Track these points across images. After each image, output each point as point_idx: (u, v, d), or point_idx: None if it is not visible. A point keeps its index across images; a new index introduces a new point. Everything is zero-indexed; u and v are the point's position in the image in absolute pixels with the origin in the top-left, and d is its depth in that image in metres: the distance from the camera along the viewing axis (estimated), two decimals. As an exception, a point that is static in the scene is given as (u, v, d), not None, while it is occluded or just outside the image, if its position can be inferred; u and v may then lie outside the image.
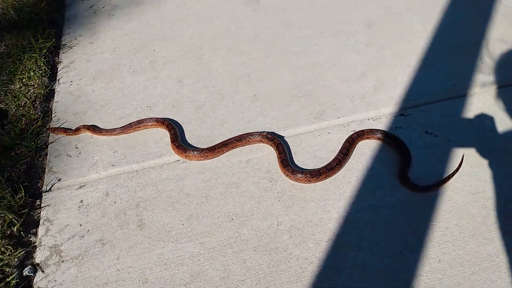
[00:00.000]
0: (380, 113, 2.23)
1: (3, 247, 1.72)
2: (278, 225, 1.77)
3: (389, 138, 2.03)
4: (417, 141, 2.04)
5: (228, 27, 2.94)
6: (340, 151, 1.98)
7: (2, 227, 1.78)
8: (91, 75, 2.62)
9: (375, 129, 2.08)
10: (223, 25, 2.96)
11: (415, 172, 1.90)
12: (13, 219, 1.80)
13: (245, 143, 2.10)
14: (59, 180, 2.03)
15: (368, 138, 2.06)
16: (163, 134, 2.21)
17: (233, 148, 2.09)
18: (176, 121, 2.27)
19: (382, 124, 2.16)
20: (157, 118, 2.23)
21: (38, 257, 1.73)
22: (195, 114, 2.32)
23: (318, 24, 2.89)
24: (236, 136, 2.10)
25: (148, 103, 2.40)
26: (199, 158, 2.04)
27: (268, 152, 2.08)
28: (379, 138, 2.06)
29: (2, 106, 2.40)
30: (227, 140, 2.09)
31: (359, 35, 2.76)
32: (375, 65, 2.52)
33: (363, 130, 2.07)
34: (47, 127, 2.28)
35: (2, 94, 2.48)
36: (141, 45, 2.84)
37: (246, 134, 2.11)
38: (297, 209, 1.82)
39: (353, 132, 2.07)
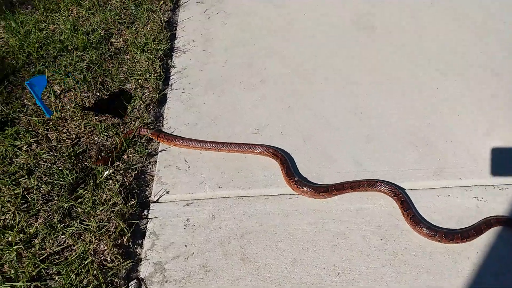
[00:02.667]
0: (508, 181, 2.03)
1: (113, 255, 1.78)
2: (388, 292, 1.67)
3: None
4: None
5: (341, 53, 2.83)
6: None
7: (113, 235, 1.83)
8: (203, 85, 2.64)
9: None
10: (335, 50, 2.86)
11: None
12: (124, 229, 1.86)
13: (362, 189, 2.01)
14: (167, 192, 2.06)
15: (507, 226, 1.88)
16: (270, 162, 2.17)
17: (348, 192, 2.01)
18: (284, 151, 2.23)
19: (509, 195, 1.97)
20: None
21: (143, 271, 1.77)
22: (303, 145, 2.26)
23: (442, 62, 2.70)
24: (355, 182, 2.01)
25: (257, 125, 2.37)
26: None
27: (381, 204, 1.97)
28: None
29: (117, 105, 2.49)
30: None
31: (484, 82, 2.54)
32: (503, 122, 2.31)
33: (502, 217, 1.89)
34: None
35: (118, 92, 2.57)
36: (252, 60, 2.82)
37: (365, 181, 2.01)
38: (409, 278, 1.70)
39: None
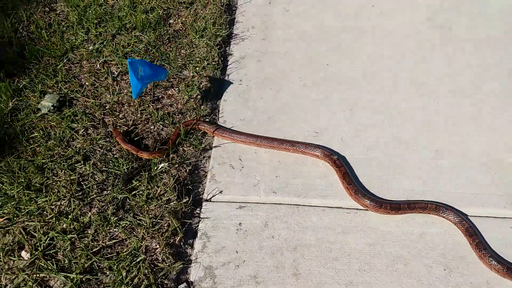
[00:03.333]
0: None
1: (164, 255, 1.76)
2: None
3: None
4: None
5: (412, 56, 2.62)
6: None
7: (166, 233, 1.80)
8: (261, 78, 2.53)
9: None
10: (406, 51, 2.65)
11: None
12: (177, 228, 1.82)
13: (428, 212, 1.87)
14: (220, 192, 2.00)
15: None
16: (328, 170, 2.06)
17: (414, 213, 1.89)
18: (344, 157, 2.11)
19: None
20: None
21: (193, 275, 1.73)
22: (365, 155, 2.13)
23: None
24: (422, 203, 1.88)
25: (316, 128, 2.25)
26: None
27: (447, 229, 1.83)
28: None
29: (174, 92, 2.43)
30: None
31: None
32: None
33: None
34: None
35: (175, 78, 2.51)
36: (314, 54, 2.66)
37: (433, 204, 1.88)
38: (475, 318, 1.59)
39: None
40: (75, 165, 2.05)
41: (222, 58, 2.64)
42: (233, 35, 2.83)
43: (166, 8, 2.95)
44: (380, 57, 2.61)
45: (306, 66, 2.59)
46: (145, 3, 2.96)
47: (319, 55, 2.65)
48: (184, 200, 1.93)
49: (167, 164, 2.06)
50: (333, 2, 3.01)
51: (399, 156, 2.11)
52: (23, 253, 1.76)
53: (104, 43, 2.67)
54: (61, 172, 2.01)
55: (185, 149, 2.17)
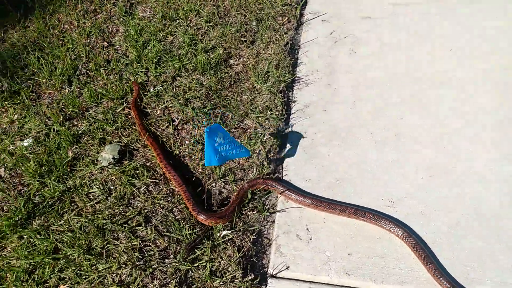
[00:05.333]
0: None
1: None
2: None
3: None
4: None
5: (495, 112, 2.37)
6: None
7: (232, 317, 1.68)
8: (327, 132, 2.36)
9: None
10: (487, 107, 2.40)
11: None
12: (243, 312, 1.70)
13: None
14: (287, 267, 1.86)
15: None
16: (406, 250, 1.87)
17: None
18: (424, 234, 1.91)
19: None
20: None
21: None
22: (447, 234, 1.92)
23: None
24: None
25: (391, 196, 2.06)
26: None
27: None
28: None
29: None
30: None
31: None
32: None
33: None
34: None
35: (236, 129, 2.38)
36: (385, 105, 2.47)
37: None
38: None
39: None
40: (136, 227, 1.96)
41: (285, 106, 2.49)
42: (296, 78, 2.67)
43: (227, 47, 2.83)
44: (460, 112, 2.38)
45: (376, 119, 2.40)
46: (205, 41, 2.85)
47: (390, 106, 2.45)
48: (250, 277, 1.80)
49: (230, 232, 1.94)
50: (404, 46, 2.79)
51: (487, 238, 1.89)
52: (84, 329, 1.68)
53: (164, 86, 2.58)
54: (122, 234, 1.93)
55: (249, 213, 2.04)
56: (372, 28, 2.93)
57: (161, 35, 2.93)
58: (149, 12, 3.16)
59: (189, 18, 3.04)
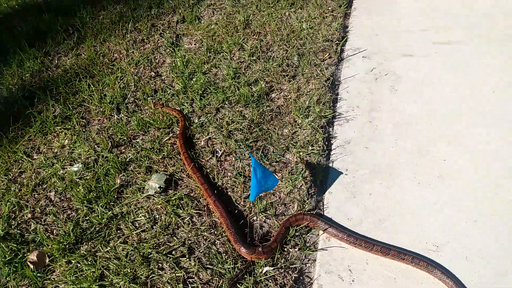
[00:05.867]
0: None
1: None
2: None
3: None
4: None
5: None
6: None
7: None
8: (368, 169, 2.37)
9: None
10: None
11: None
12: None
13: None
14: (329, 312, 1.85)
15: None
16: (452, 297, 1.83)
17: None
18: (470, 282, 1.87)
19: None
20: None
21: None
22: (495, 283, 1.87)
23: None
24: None
25: (435, 240, 2.03)
26: None
27: None
28: None
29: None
30: None
31: None
32: None
33: None
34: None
35: (277, 163, 2.42)
36: (428, 145, 2.46)
37: None
38: None
39: None
40: (180, 258, 2.00)
41: (326, 142, 2.52)
42: (336, 114, 2.71)
43: (269, 81, 2.90)
44: (505, 155, 2.35)
45: (418, 158, 2.39)
46: (248, 74, 2.94)
47: (433, 147, 2.44)
48: (292, 320, 1.80)
49: (272, 268, 1.95)
50: (445, 83, 2.80)
51: (537, 290, 1.83)
52: None
53: (209, 118, 2.66)
54: (167, 265, 1.97)
55: (290, 250, 2.05)
56: (413, 66, 2.95)
57: (206, 67, 3.04)
58: (194, 44, 3.29)
59: (233, 52, 3.15)
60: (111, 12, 3.74)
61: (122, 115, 2.72)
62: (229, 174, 2.37)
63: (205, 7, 3.66)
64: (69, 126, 2.71)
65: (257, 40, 3.22)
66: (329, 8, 3.51)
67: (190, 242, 2.06)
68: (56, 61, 3.29)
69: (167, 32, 3.41)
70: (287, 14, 3.49)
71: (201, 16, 3.57)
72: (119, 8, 3.79)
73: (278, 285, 1.89)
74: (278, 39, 3.21)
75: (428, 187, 2.26)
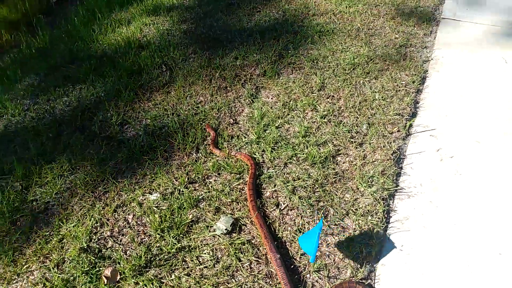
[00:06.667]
0: None
1: None
2: None
3: None
4: None
5: None
6: None
7: None
8: (424, 249, 2.43)
9: None
10: None
11: None
12: None
13: None
14: None
15: None
16: None
17: None
18: None
19: None
20: None
21: None
22: None
23: None
24: None
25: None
26: None
27: None
28: None
29: (333, 241, 2.47)
30: None
31: None
32: None
33: None
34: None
35: (336, 225, 2.55)
36: (486, 236, 2.49)
37: None
38: None
39: None
40: (237, 302, 2.17)
41: (385, 214, 2.63)
42: (399, 188, 2.81)
43: (337, 144, 3.09)
44: None
45: (475, 249, 2.43)
46: (318, 135, 3.15)
47: (495, 234, 2.47)
48: None
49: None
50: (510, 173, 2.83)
51: None
52: None
53: (276, 171, 2.87)
54: (226, 307, 2.15)
55: (339, 316, 2.16)
56: (480, 152, 3.01)
57: (279, 121, 3.30)
58: (271, 98, 3.57)
59: (306, 111, 3.39)
60: (200, 56, 4.16)
61: (200, 155, 3.01)
62: (289, 228, 2.54)
63: (285, 64, 3.97)
64: (153, 157, 3.04)
65: (330, 103, 3.45)
66: (403, 83, 3.68)
67: (246, 287, 2.23)
68: (148, 95, 3.71)
69: (248, 83, 3.73)
70: (361, 82, 3.70)
71: (281, 73, 3.87)
72: (208, 55, 4.20)
73: None
74: (350, 106, 3.41)
75: (488, 278, 2.29)
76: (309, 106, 3.43)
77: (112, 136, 3.28)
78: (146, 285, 2.25)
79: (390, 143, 3.08)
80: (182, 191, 2.75)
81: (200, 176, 2.86)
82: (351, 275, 2.30)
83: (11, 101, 3.81)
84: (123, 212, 2.69)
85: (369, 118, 3.30)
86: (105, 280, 2.30)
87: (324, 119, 3.30)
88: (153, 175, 2.91)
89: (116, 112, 3.51)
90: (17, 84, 4.20)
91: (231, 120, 3.35)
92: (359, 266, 2.35)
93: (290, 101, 3.49)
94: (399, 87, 3.64)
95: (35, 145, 3.25)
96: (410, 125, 3.29)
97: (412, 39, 4.32)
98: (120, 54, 4.30)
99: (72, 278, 2.34)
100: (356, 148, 3.07)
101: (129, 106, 3.58)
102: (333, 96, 3.56)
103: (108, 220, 2.65)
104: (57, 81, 4.05)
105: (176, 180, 2.85)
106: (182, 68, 3.99)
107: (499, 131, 3.17)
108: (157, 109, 3.52)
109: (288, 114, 3.37)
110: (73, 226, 2.61)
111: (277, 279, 2.27)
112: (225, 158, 2.98)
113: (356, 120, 3.29)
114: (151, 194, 2.77)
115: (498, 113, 3.35)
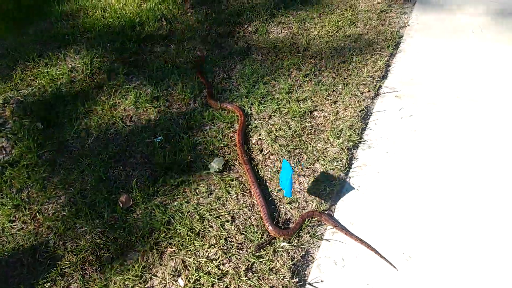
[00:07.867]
0: None
1: (273, 318, 2.41)
2: None
3: None
4: None
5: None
6: None
7: (277, 302, 2.45)
8: (378, 191, 3.06)
9: None
10: None
11: None
12: (286, 302, 2.47)
13: None
14: (321, 281, 2.60)
15: None
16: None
17: None
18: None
19: None
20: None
21: None
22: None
23: None
24: None
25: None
26: None
27: None
28: None
29: (304, 181, 3.07)
30: None
31: None
32: None
33: None
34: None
35: (308, 169, 3.15)
36: (440, 185, 3.11)
37: None
38: None
39: None
40: (225, 222, 2.79)
41: (348, 161, 3.23)
42: (362, 140, 3.39)
43: (315, 101, 3.61)
44: None
45: (422, 191, 3.06)
46: (299, 92, 3.65)
47: (436, 182, 3.09)
48: (294, 280, 2.57)
49: (288, 245, 2.71)
50: (462, 137, 3.41)
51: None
52: (180, 280, 2.53)
53: (262, 122, 3.41)
54: (215, 225, 2.77)
55: (303, 235, 2.81)
56: (435, 113, 3.57)
57: (266, 78, 3.77)
58: (261, 56, 4.02)
59: (291, 70, 3.86)
60: (198, 11, 4.51)
61: (197, 105, 3.51)
62: (269, 170, 3.12)
63: (275, 23, 4.36)
64: (156, 105, 3.53)
65: (312, 63, 3.91)
66: (378, 47, 4.14)
67: (233, 213, 2.85)
68: (150, 47, 4.10)
69: (241, 40, 4.14)
70: (341, 44, 4.14)
71: (271, 32, 4.27)
72: (204, 9, 4.54)
73: (289, 257, 2.66)
74: (330, 67, 3.88)
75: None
76: (294, 65, 3.89)
77: (119, 84, 3.73)
78: (154, 209, 2.85)
79: (360, 101, 3.61)
80: (182, 136, 3.28)
81: (197, 124, 3.39)
82: (316, 207, 2.93)
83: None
84: (133, 152, 3.23)
85: (344, 79, 3.80)
86: (121, 204, 2.89)
87: (306, 77, 3.79)
88: (156, 121, 3.42)
89: (121, 62, 3.92)
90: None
91: (225, 75, 3.81)
92: (323, 201, 2.97)
93: (277, 60, 3.94)
94: (375, 51, 4.10)
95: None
96: (380, 87, 3.81)
97: (393, 4, 4.70)
98: (122, 5, 4.60)
99: (93, 203, 2.93)
100: (331, 105, 3.59)
101: (133, 58, 3.99)
102: (315, 56, 4.02)
103: (120, 157, 3.19)
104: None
105: (177, 126, 3.37)
106: (181, 23, 4.35)
107: (453, 94, 3.70)
108: (158, 61, 3.95)
109: (275, 72, 3.84)
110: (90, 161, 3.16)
111: (257, 208, 2.88)
112: (219, 109, 3.49)
113: (334, 80, 3.79)
114: (156, 137, 3.30)
115: (454, 78, 3.86)
